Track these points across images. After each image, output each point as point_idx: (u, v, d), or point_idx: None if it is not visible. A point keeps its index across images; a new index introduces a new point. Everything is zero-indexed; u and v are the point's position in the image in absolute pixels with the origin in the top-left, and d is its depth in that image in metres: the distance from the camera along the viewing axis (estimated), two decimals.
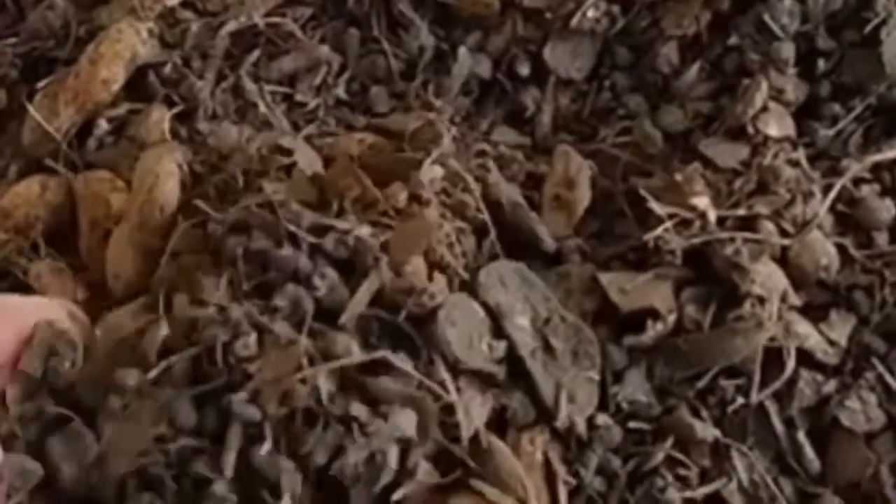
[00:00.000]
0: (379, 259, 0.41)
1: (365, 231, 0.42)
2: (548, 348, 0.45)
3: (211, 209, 0.43)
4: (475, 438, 0.41)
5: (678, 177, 0.47)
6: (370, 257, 0.41)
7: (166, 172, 0.46)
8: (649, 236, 0.46)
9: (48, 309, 0.41)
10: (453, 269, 0.44)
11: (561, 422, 0.43)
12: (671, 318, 0.45)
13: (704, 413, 0.46)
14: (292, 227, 0.42)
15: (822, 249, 0.47)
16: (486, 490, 0.41)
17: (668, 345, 0.46)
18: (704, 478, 0.46)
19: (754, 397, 0.46)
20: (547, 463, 0.44)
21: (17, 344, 0.39)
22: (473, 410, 0.42)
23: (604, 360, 0.45)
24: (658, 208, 0.46)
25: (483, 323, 0.43)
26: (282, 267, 0.41)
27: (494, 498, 0.41)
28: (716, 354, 0.45)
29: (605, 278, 0.47)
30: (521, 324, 0.44)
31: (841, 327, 0.47)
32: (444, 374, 0.41)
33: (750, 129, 0.49)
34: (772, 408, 0.46)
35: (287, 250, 0.41)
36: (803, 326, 0.47)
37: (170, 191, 0.46)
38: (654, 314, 0.45)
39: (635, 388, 0.46)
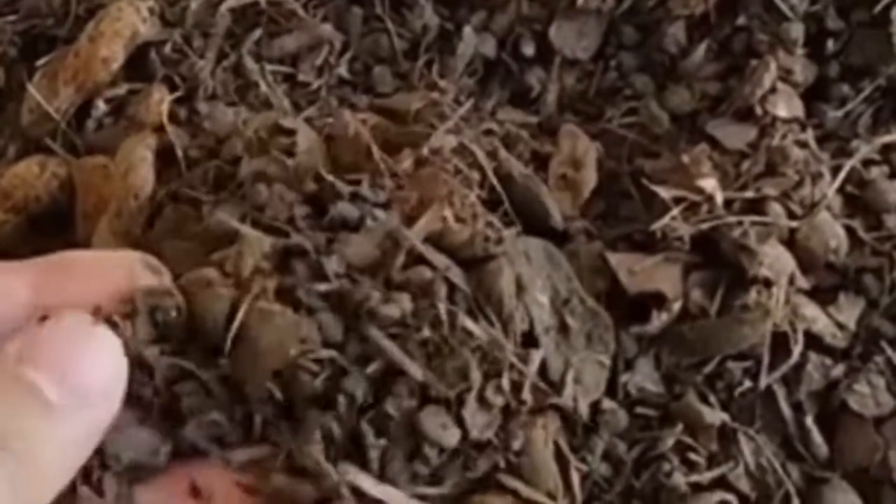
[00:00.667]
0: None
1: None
2: (563, 328, 0.44)
3: (203, 195, 0.43)
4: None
5: (685, 158, 0.47)
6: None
7: (139, 159, 0.45)
8: (657, 226, 0.45)
9: (123, 261, 0.38)
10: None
11: (565, 401, 0.43)
12: (676, 306, 0.45)
13: (712, 398, 0.46)
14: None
15: (831, 231, 0.47)
16: (519, 488, 0.41)
17: (674, 333, 0.45)
18: (711, 462, 0.45)
19: (762, 382, 0.46)
20: (558, 450, 0.43)
21: (101, 299, 0.37)
22: None
23: (617, 346, 0.45)
24: (665, 194, 0.46)
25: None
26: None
27: (528, 495, 0.41)
28: (722, 343, 0.45)
29: (613, 259, 0.46)
30: (540, 300, 0.44)
31: (850, 310, 0.47)
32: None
33: (758, 110, 0.48)
34: (779, 392, 0.46)
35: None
36: (811, 310, 0.47)
37: (143, 177, 0.46)
38: (661, 299, 0.45)
39: (644, 377, 0.45)
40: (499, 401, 0.39)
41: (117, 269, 0.38)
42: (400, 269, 0.39)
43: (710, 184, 0.46)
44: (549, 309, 0.43)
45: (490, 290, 0.40)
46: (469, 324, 0.38)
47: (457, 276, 0.40)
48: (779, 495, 0.45)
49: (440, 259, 0.40)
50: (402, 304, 0.38)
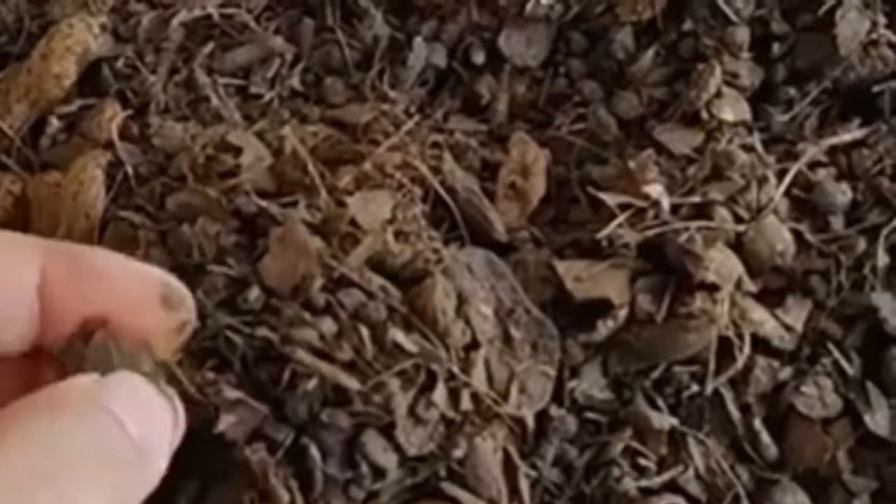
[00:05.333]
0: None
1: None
2: (507, 338, 0.45)
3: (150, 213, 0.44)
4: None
5: (631, 164, 0.47)
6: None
7: (89, 178, 0.46)
8: (603, 233, 0.45)
9: (148, 281, 0.35)
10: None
11: (510, 410, 0.43)
12: (623, 313, 0.45)
13: (661, 402, 0.46)
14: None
15: (778, 235, 0.47)
16: (460, 496, 0.41)
17: (621, 339, 0.45)
18: (661, 466, 0.46)
19: (709, 386, 0.46)
20: (507, 457, 0.44)
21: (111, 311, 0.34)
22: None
23: (563, 354, 0.45)
24: (610, 201, 0.46)
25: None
26: None
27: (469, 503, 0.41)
28: (668, 349, 0.45)
29: (560, 266, 0.46)
30: (483, 311, 0.44)
31: (797, 313, 0.47)
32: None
33: (704, 115, 0.48)
34: (727, 395, 0.46)
35: None
36: (759, 312, 0.47)
37: (93, 196, 0.46)
38: (608, 305, 0.45)
39: (591, 384, 0.46)
40: (433, 414, 0.39)
41: (139, 286, 0.35)
42: (329, 293, 0.40)
43: (656, 189, 0.47)
44: (492, 320, 0.44)
45: (425, 306, 0.40)
46: (401, 339, 0.39)
47: (392, 296, 0.41)
48: (729, 497, 0.45)
49: (376, 281, 0.41)
50: (321, 328, 0.38)
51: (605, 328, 0.46)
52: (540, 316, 0.45)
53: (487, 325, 0.43)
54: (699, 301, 0.45)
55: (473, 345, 0.43)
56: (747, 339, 0.46)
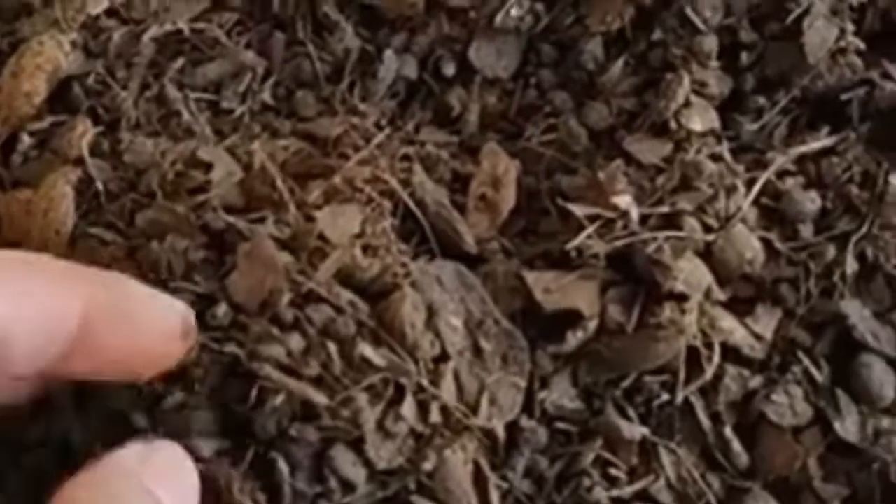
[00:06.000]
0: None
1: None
2: (477, 350, 0.45)
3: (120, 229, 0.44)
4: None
5: (600, 175, 0.47)
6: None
7: (60, 195, 0.46)
8: (571, 245, 0.46)
9: (170, 315, 0.38)
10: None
11: (481, 422, 0.43)
12: (593, 324, 0.46)
13: (631, 412, 0.46)
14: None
15: (747, 243, 0.47)
16: None
17: (591, 350, 0.46)
18: (632, 476, 0.46)
19: (679, 395, 0.46)
20: (478, 469, 0.44)
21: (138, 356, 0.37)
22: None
23: (533, 365, 0.46)
24: (579, 212, 0.46)
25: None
26: None
27: None
28: (638, 359, 0.45)
29: (530, 277, 0.47)
30: (453, 323, 0.45)
31: (766, 321, 0.47)
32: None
33: (672, 125, 0.49)
34: (698, 404, 0.46)
35: None
36: (728, 321, 0.47)
37: (63, 213, 0.46)
38: (578, 316, 0.46)
39: (561, 394, 0.46)
40: (402, 428, 0.39)
41: (165, 319, 0.37)
42: (297, 308, 0.40)
43: (624, 200, 0.47)
44: (462, 332, 0.44)
45: (393, 319, 0.41)
46: (369, 353, 0.39)
47: (361, 311, 0.41)
48: None
49: (344, 296, 0.41)
50: (289, 344, 0.38)
51: (574, 339, 0.46)
52: (510, 327, 0.45)
53: (457, 337, 0.43)
54: (668, 311, 0.45)
55: (443, 357, 0.43)
56: (717, 348, 0.46)
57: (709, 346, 0.46)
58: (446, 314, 0.43)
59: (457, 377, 0.43)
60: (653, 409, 0.46)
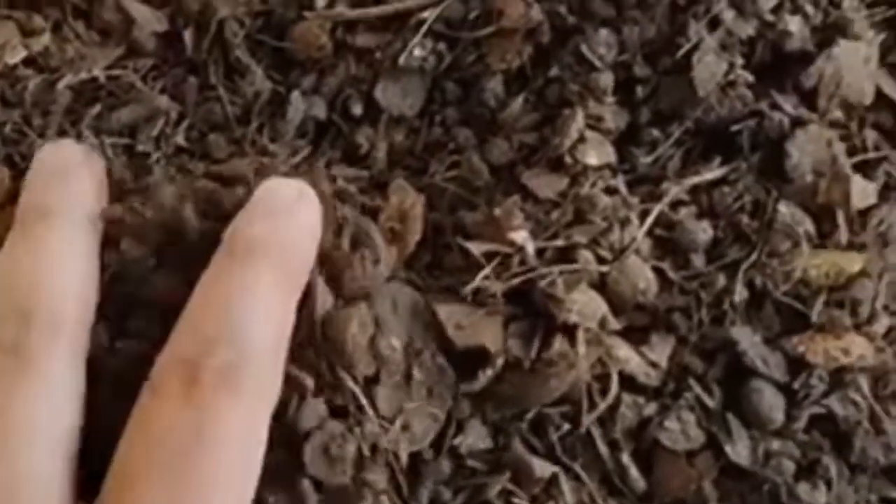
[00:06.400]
0: None
1: None
2: (408, 377, 0.46)
3: None
4: None
5: (497, 211, 0.49)
6: None
7: None
8: (469, 288, 0.47)
9: None
10: None
11: (389, 445, 0.45)
12: (500, 361, 0.47)
13: (537, 445, 0.48)
14: None
15: (640, 274, 0.49)
16: None
17: (495, 387, 0.47)
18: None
19: (583, 425, 0.48)
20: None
21: None
22: None
23: (455, 404, 0.47)
24: (476, 250, 0.48)
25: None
26: None
27: None
28: (535, 395, 0.47)
29: (442, 312, 0.48)
30: (394, 344, 0.46)
31: (661, 349, 0.49)
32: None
33: (568, 160, 0.50)
34: (596, 432, 0.48)
35: None
36: (624, 350, 0.49)
37: None
38: (486, 353, 0.47)
39: (476, 438, 0.48)
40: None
41: None
42: None
43: (520, 236, 0.48)
44: (400, 354, 0.46)
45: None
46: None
47: None
48: None
49: None
50: None
51: (484, 377, 0.47)
52: (444, 365, 0.47)
53: (396, 357, 0.46)
54: (558, 345, 0.46)
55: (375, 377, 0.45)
56: (615, 377, 0.48)
57: (605, 376, 0.48)
58: (390, 336, 0.45)
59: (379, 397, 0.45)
60: (555, 441, 0.48)
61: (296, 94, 0.54)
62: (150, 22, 0.56)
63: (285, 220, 0.43)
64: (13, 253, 0.44)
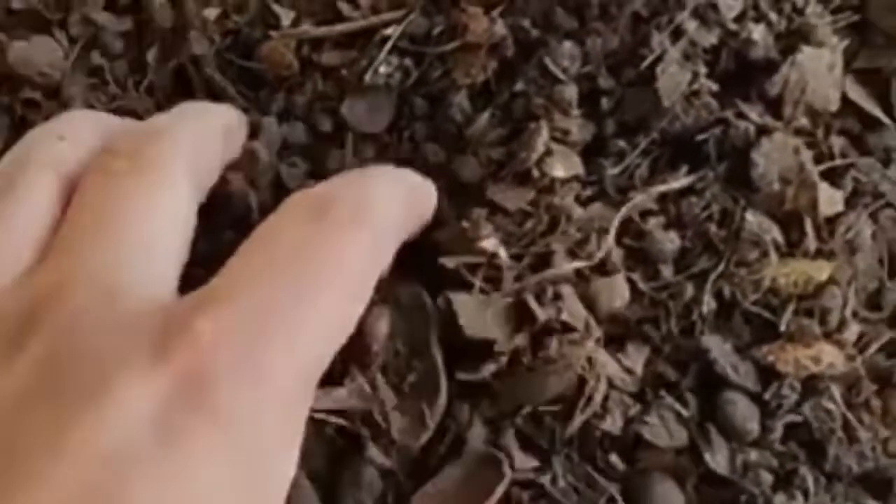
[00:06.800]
0: None
1: None
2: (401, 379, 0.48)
3: None
4: None
5: (464, 223, 0.49)
6: None
7: None
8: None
9: None
10: None
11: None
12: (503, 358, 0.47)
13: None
14: None
15: (617, 284, 0.49)
16: None
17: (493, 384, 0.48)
18: None
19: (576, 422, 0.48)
20: None
21: None
22: None
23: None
24: (450, 264, 0.48)
25: None
26: None
27: None
28: (532, 393, 0.47)
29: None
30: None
31: (636, 357, 0.49)
32: None
33: (535, 173, 0.50)
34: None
35: None
36: (602, 355, 0.48)
37: None
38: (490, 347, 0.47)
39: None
40: None
41: None
42: None
43: (491, 243, 0.48)
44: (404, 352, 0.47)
45: None
46: None
47: None
48: None
49: None
50: None
51: (486, 370, 0.48)
52: (438, 367, 0.48)
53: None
54: (555, 344, 0.47)
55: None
56: (603, 379, 0.48)
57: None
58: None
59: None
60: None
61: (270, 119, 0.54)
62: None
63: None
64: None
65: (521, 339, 0.47)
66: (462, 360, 0.48)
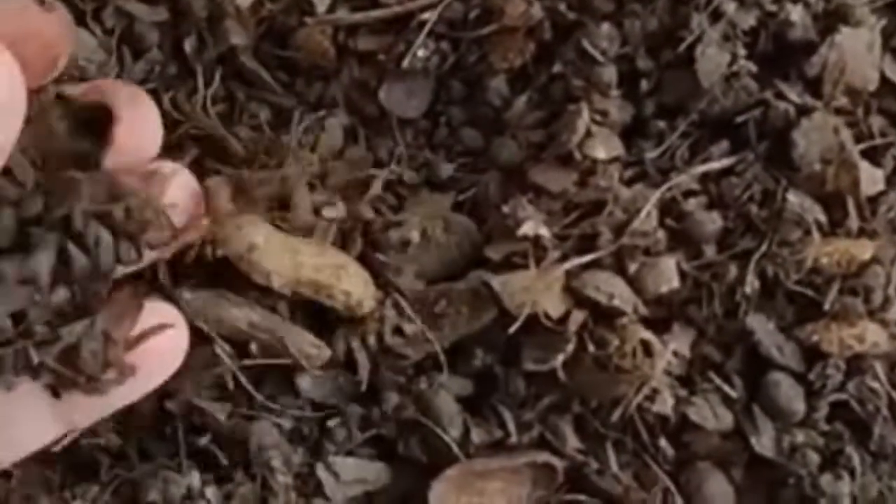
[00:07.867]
0: None
1: None
2: None
3: None
4: None
5: (504, 209, 0.49)
6: None
7: None
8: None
9: None
10: None
11: None
12: (570, 346, 0.48)
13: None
14: None
15: (663, 265, 0.49)
16: None
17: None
18: None
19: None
20: None
21: None
22: None
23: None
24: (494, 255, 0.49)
25: None
26: None
27: None
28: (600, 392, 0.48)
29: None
30: None
31: (683, 339, 0.49)
32: None
33: (577, 155, 0.50)
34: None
35: None
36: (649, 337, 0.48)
37: None
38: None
39: None
40: None
41: None
42: None
43: (530, 227, 0.48)
44: None
45: None
46: None
47: None
48: None
49: None
50: None
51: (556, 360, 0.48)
52: None
53: None
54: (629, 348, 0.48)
55: None
56: (658, 366, 0.48)
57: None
58: None
59: None
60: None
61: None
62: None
63: None
64: None
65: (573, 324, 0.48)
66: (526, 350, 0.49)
